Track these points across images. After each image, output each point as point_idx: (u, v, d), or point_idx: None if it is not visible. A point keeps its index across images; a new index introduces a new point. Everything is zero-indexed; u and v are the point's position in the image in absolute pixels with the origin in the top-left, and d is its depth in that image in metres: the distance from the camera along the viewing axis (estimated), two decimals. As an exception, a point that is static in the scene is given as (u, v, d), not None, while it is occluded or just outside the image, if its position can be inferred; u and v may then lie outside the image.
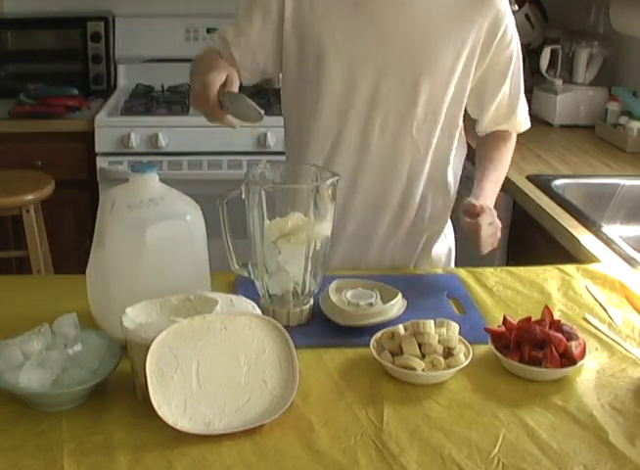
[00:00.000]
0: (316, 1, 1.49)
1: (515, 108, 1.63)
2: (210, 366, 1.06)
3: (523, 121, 1.68)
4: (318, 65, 1.51)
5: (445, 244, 1.72)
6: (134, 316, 1.11)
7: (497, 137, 1.66)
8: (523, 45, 3.23)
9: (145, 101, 3.17)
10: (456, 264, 1.74)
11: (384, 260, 1.64)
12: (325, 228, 1.29)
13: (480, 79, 1.56)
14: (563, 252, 1.89)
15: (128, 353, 1.10)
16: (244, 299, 1.18)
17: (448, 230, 1.73)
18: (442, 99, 1.53)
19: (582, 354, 1.19)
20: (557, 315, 1.36)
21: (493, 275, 1.52)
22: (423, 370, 1.14)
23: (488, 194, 1.54)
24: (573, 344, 1.19)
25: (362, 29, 1.48)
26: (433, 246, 1.68)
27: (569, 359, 1.18)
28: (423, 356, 1.16)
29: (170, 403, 1.02)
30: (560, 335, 1.19)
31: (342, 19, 1.49)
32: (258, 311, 1.16)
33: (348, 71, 1.50)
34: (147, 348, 1.04)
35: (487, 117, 1.63)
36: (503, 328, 1.24)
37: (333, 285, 1.35)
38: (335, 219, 1.43)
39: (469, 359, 1.17)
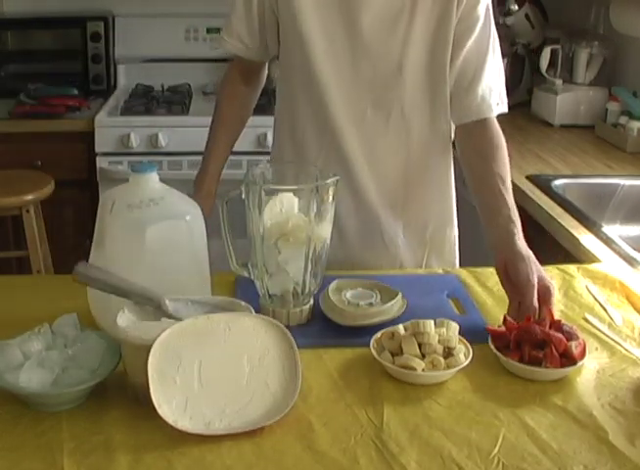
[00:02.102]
0: None
1: (478, 79, 1.53)
2: (213, 366, 1.06)
3: (487, 101, 1.54)
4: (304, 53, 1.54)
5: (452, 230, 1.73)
6: (130, 316, 1.12)
7: (483, 157, 1.52)
8: (523, 45, 3.25)
9: (145, 101, 3.17)
10: (460, 257, 1.74)
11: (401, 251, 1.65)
12: (325, 229, 1.29)
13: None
14: (563, 252, 1.89)
15: (122, 352, 1.10)
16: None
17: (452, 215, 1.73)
18: (425, 67, 1.53)
19: (582, 354, 1.19)
20: (557, 315, 1.36)
21: (493, 275, 1.51)
22: (423, 370, 1.14)
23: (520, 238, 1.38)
24: (573, 344, 1.19)
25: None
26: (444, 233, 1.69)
27: (569, 359, 1.18)
28: (423, 356, 1.16)
29: (171, 403, 1.02)
30: (560, 335, 1.19)
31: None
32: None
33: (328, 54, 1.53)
34: (141, 347, 1.04)
35: (451, 84, 1.56)
36: (503, 328, 1.24)
37: (333, 285, 1.35)
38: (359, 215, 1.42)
39: (469, 359, 1.17)
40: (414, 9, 1.49)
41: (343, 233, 1.61)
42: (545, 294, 1.28)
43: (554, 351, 1.17)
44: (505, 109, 1.58)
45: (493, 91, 1.55)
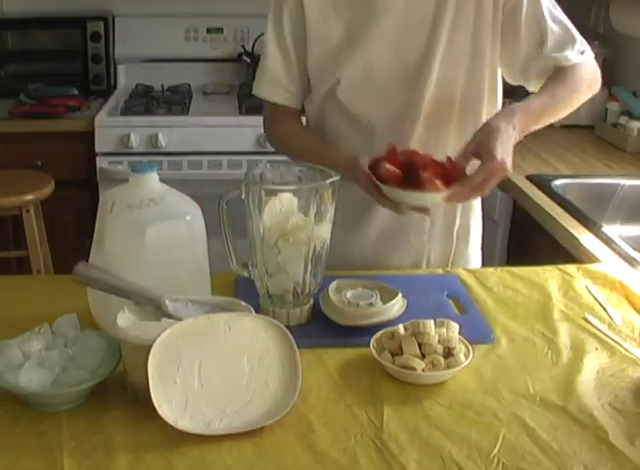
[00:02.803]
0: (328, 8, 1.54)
1: (544, 41, 1.52)
2: (213, 366, 1.06)
3: (562, 54, 1.52)
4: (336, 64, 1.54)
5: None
6: (130, 316, 1.12)
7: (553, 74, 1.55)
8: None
9: (145, 101, 3.17)
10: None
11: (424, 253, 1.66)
12: (325, 229, 1.29)
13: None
14: (563, 252, 1.90)
15: (122, 352, 1.10)
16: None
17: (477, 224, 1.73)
18: (456, 75, 1.53)
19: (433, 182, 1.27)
20: (557, 315, 1.37)
21: (493, 275, 1.52)
22: (423, 370, 1.14)
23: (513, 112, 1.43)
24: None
25: (369, 20, 1.51)
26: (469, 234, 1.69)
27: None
28: (423, 356, 1.16)
29: (171, 402, 1.02)
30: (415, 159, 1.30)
31: (354, 18, 1.53)
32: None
33: (365, 63, 1.53)
34: (141, 347, 1.04)
35: (521, 62, 1.55)
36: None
37: (333, 285, 1.35)
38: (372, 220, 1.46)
39: (469, 359, 1.17)
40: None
41: (370, 235, 1.62)
42: (493, 170, 1.30)
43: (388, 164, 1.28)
44: (587, 56, 1.55)
45: (567, 44, 1.53)
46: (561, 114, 1.57)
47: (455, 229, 1.67)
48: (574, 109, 1.60)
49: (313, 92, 1.62)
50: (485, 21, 1.52)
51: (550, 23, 1.54)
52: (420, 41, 1.52)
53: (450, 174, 1.30)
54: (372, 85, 1.54)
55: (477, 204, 1.71)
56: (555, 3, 1.57)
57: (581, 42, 1.55)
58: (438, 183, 1.27)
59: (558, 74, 1.53)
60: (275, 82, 1.60)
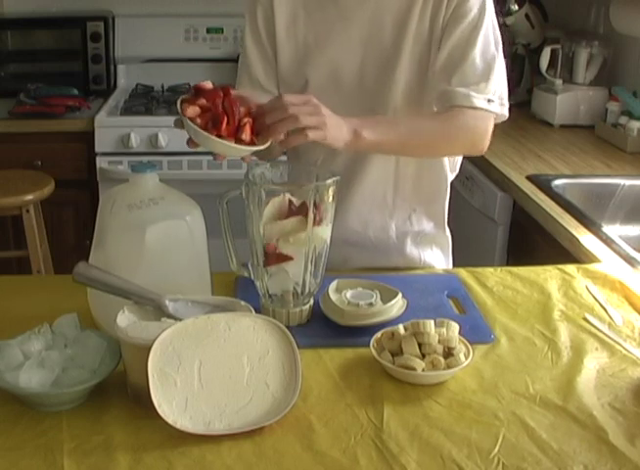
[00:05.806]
0: (300, 10, 1.53)
1: (455, 67, 1.44)
2: (213, 366, 1.06)
3: (466, 92, 1.43)
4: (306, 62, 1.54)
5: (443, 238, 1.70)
6: (130, 316, 1.12)
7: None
8: (523, 45, 3.25)
9: (145, 101, 3.17)
10: (454, 264, 1.73)
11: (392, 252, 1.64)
12: (325, 229, 1.29)
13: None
14: (563, 252, 1.90)
15: (122, 352, 1.10)
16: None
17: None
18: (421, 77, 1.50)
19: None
20: (557, 315, 1.37)
21: (493, 275, 1.52)
22: (423, 370, 1.14)
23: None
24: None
25: (337, 23, 1.50)
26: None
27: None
28: (423, 356, 1.16)
29: (171, 402, 1.02)
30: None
31: (324, 20, 1.52)
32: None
33: (332, 65, 1.52)
34: (141, 347, 1.04)
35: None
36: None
37: (333, 285, 1.35)
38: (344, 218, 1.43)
39: (469, 359, 1.17)
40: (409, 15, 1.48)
41: (360, 243, 1.61)
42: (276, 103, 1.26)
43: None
44: (499, 110, 1.48)
45: (478, 85, 1.45)
46: (425, 147, 1.49)
47: (409, 237, 1.63)
48: (446, 153, 1.56)
49: (282, 92, 1.59)
50: (437, 30, 1.47)
51: (475, 59, 1.45)
52: (385, 49, 1.50)
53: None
54: (338, 90, 1.52)
55: (436, 211, 1.65)
56: (500, 48, 1.48)
57: (494, 93, 1.46)
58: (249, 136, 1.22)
59: (449, 111, 1.45)
60: (256, 83, 1.59)
